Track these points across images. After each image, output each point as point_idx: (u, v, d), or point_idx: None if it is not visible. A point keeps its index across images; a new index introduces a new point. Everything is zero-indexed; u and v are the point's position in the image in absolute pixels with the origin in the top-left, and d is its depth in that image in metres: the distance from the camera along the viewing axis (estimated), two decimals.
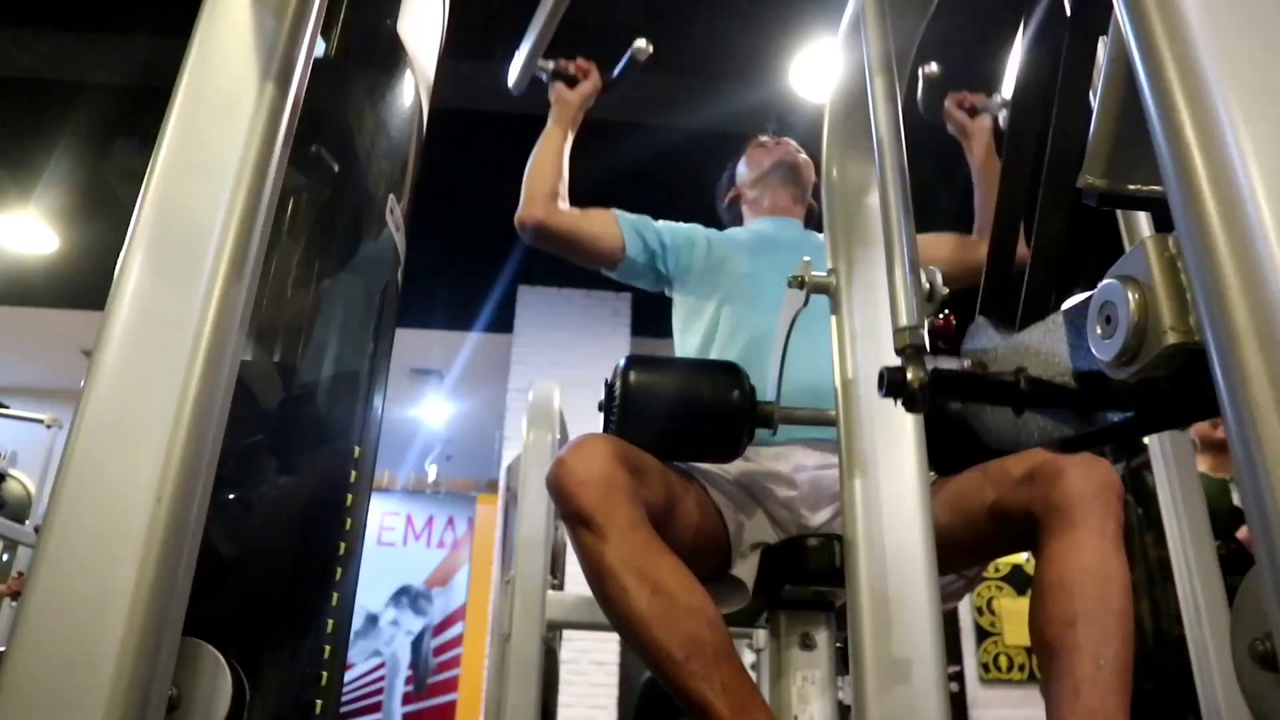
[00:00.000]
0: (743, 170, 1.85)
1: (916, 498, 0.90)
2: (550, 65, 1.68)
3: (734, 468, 1.32)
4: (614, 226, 1.62)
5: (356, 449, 0.95)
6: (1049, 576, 1.08)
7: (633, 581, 1.01)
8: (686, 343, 1.60)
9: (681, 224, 1.69)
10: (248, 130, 0.66)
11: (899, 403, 0.64)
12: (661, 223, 1.67)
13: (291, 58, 0.71)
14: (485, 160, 4.31)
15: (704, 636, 1.00)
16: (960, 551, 1.24)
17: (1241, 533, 2.46)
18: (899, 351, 0.67)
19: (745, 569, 1.25)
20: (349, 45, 1.04)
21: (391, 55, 1.12)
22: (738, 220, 1.84)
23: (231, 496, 0.77)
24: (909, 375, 0.64)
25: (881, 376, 0.65)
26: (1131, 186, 0.58)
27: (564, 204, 1.62)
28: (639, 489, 1.10)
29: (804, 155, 1.82)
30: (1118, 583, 1.06)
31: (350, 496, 0.92)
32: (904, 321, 0.69)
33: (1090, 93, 0.60)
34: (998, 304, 0.68)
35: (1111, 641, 1.02)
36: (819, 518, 1.31)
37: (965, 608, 5.36)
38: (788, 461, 1.33)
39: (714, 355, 1.51)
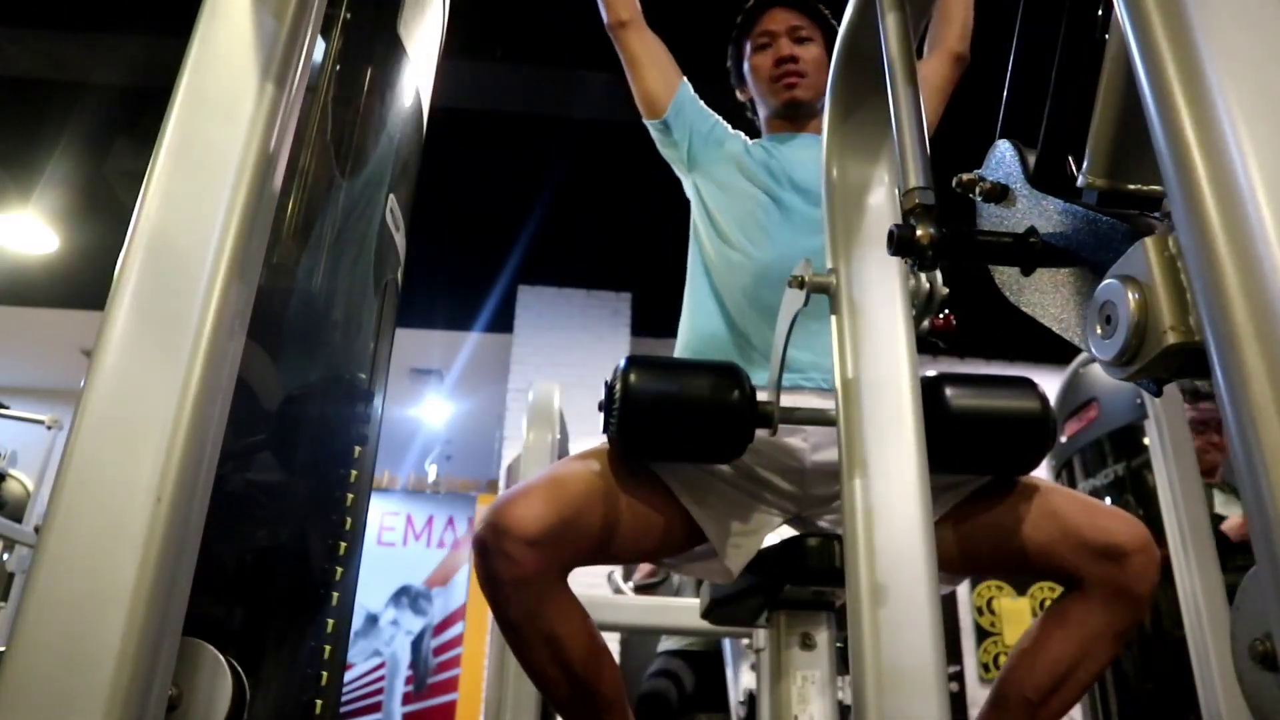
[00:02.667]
0: (748, 78, 1.69)
1: (916, 498, 0.90)
2: None
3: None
4: (675, 84, 1.63)
5: (356, 449, 0.95)
6: (1059, 635, 1.16)
7: (540, 671, 1.12)
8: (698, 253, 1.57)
9: (724, 128, 1.65)
10: (248, 130, 0.66)
11: (911, 265, 0.64)
12: (712, 120, 1.65)
13: (291, 58, 0.71)
14: (485, 160, 4.32)
15: (601, 694, 1.13)
16: (976, 565, 1.26)
17: (1228, 524, 2.46)
18: (907, 211, 0.66)
19: (742, 554, 1.24)
20: (349, 45, 1.04)
21: (391, 55, 1.12)
22: (755, 113, 1.75)
23: (232, 497, 0.77)
24: (918, 232, 0.63)
25: (891, 235, 0.64)
26: (1131, 186, 0.58)
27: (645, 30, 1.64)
28: (561, 556, 1.12)
29: (813, 60, 1.62)
30: (1103, 665, 1.19)
31: (350, 496, 0.92)
32: (913, 182, 0.68)
33: None
34: (1019, 125, 0.67)
35: (1066, 707, 1.16)
36: (823, 455, 1.29)
37: (965, 608, 5.36)
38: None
39: (714, 281, 1.50)
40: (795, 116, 1.63)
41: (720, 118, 1.66)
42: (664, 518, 1.22)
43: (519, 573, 1.05)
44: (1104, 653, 1.16)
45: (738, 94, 1.75)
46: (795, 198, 1.51)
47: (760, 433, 1.23)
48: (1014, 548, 1.20)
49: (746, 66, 1.68)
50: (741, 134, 1.65)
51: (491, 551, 1.06)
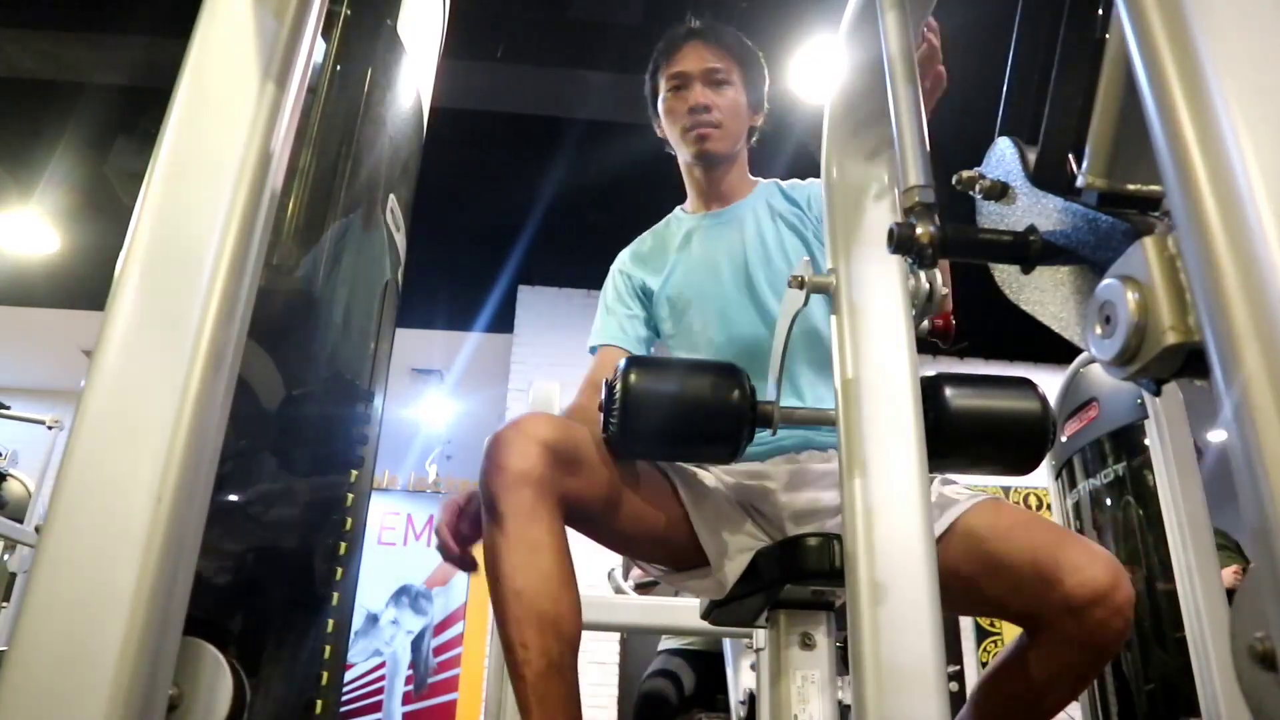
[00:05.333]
0: (663, 119, 1.58)
1: (916, 498, 0.90)
2: None
3: (728, 479, 1.32)
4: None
5: (357, 449, 0.95)
6: (1021, 679, 1.12)
7: (507, 572, 1.07)
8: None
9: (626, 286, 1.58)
10: (248, 130, 0.66)
11: (911, 263, 0.64)
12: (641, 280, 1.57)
13: (291, 58, 0.71)
14: (485, 160, 4.32)
15: (550, 647, 1.06)
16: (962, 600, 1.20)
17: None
18: (907, 210, 0.66)
19: (731, 569, 1.24)
20: (349, 45, 1.04)
21: (391, 55, 1.12)
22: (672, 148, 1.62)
23: (232, 497, 0.77)
24: (918, 230, 0.63)
25: (891, 233, 0.64)
26: (1131, 186, 0.58)
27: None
28: (565, 481, 1.11)
29: (729, 108, 1.52)
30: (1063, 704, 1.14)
31: (350, 496, 0.92)
32: (913, 180, 0.68)
33: None
34: (1019, 124, 0.67)
35: None
36: (801, 499, 1.29)
37: None
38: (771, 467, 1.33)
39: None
40: (712, 166, 1.56)
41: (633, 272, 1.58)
42: (664, 514, 1.24)
43: (525, 466, 1.07)
44: (1066, 701, 1.12)
45: (655, 128, 1.65)
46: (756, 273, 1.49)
47: (738, 467, 1.27)
48: (977, 590, 1.14)
49: (661, 106, 1.58)
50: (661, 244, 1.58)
51: (504, 443, 1.09)
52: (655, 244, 1.61)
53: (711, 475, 1.33)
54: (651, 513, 1.23)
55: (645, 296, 1.57)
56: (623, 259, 1.63)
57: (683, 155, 1.58)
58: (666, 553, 1.27)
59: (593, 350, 1.54)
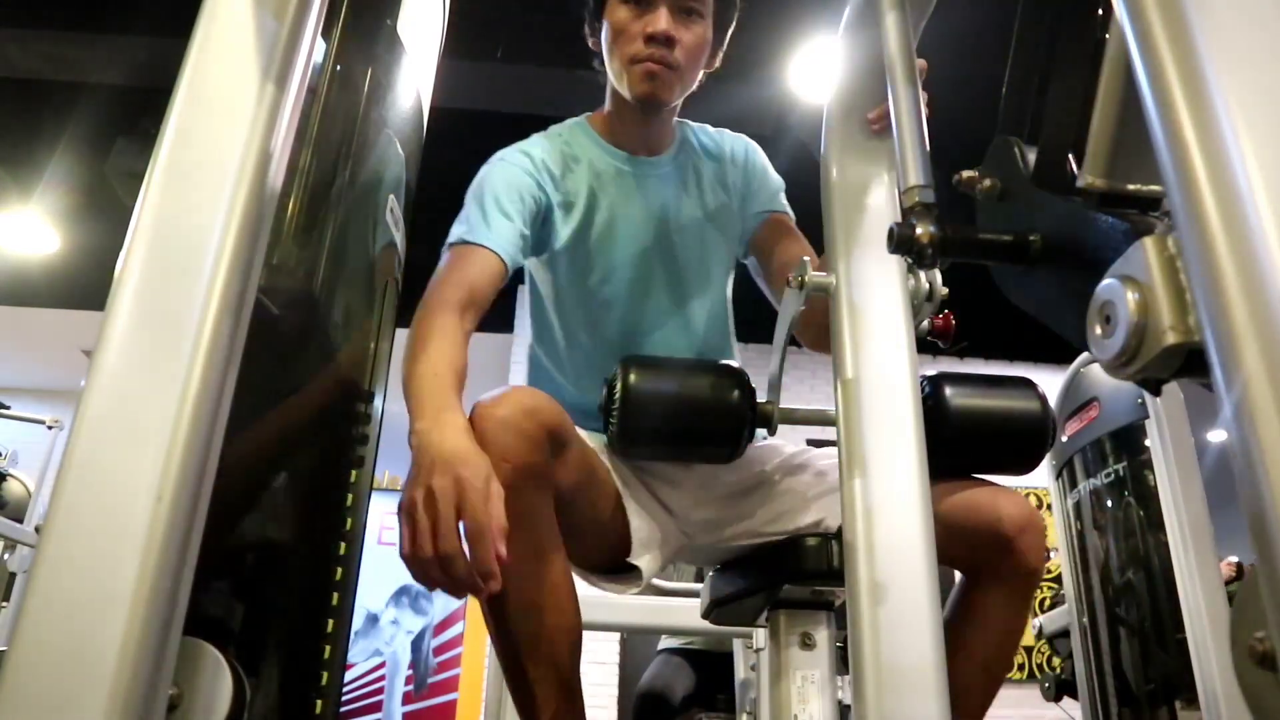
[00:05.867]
0: (605, 32, 1.30)
1: (916, 498, 0.90)
2: None
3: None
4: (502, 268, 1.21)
5: (357, 449, 0.95)
6: (971, 628, 1.18)
7: (513, 587, 0.96)
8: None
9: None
10: (248, 130, 0.66)
11: (909, 262, 0.64)
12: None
13: (291, 58, 0.71)
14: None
15: (562, 660, 1.03)
16: None
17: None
18: (907, 210, 0.66)
19: (646, 562, 1.19)
20: (349, 45, 1.04)
21: (391, 55, 1.12)
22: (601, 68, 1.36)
23: (233, 497, 0.77)
24: (918, 230, 0.63)
25: (891, 233, 0.64)
26: (1131, 186, 0.58)
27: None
28: (552, 468, 1.02)
29: (692, 49, 1.27)
30: (1014, 646, 1.23)
31: (350, 496, 0.92)
32: (913, 180, 0.68)
33: None
34: (1019, 124, 0.67)
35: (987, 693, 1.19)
36: (701, 514, 1.27)
37: None
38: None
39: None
40: (651, 112, 1.32)
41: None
42: (609, 500, 1.19)
43: (530, 458, 0.98)
44: (1019, 630, 1.22)
45: (588, 38, 1.36)
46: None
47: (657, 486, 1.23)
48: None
49: (608, 16, 1.29)
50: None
51: (500, 425, 0.97)
52: (561, 162, 1.31)
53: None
54: (602, 499, 1.18)
55: (539, 222, 1.27)
56: (530, 156, 1.30)
57: (620, 88, 1.30)
58: (601, 544, 1.20)
59: (461, 242, 1.19)
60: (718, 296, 1.41)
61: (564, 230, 1.29)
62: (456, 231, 1.21)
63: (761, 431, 1.19)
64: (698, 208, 1.37)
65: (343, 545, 0.90)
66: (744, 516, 1.28)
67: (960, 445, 1.18)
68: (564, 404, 1.10)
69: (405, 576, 0.86)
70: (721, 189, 1.40)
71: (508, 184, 1.25)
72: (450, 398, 1.00)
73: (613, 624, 2.27)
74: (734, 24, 1.37)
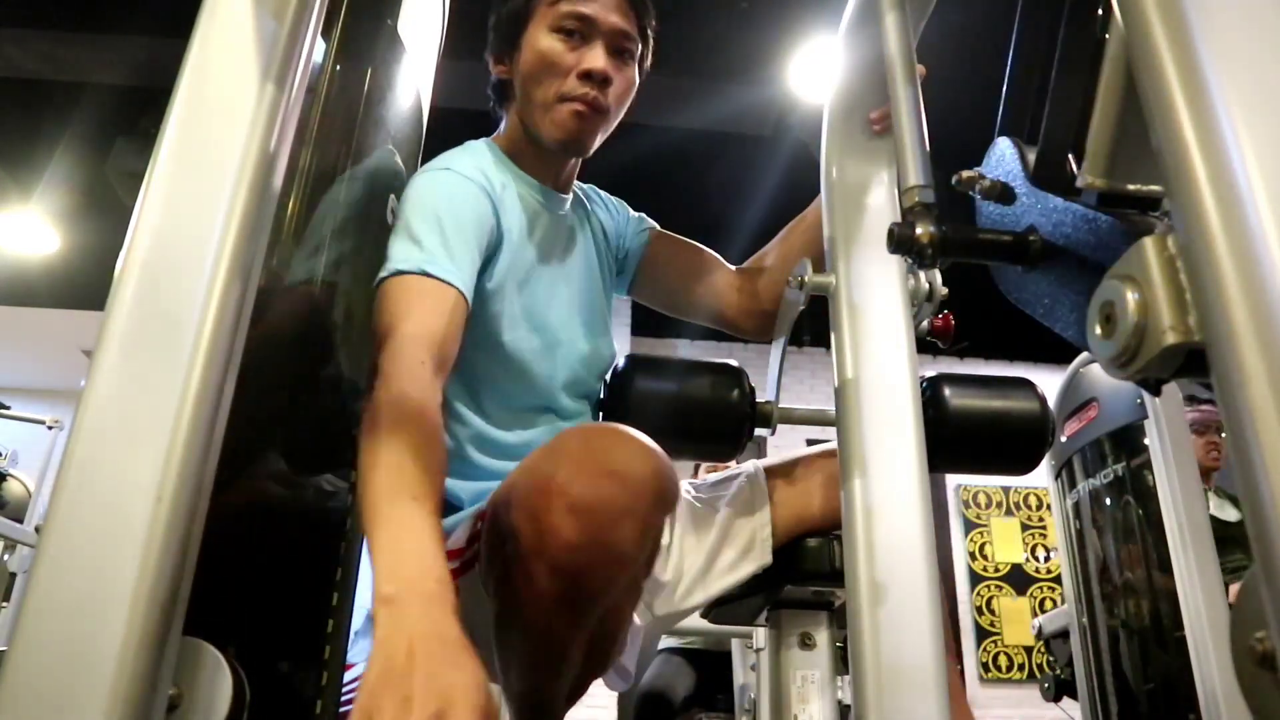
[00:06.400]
0: (522, 60, 1.18)
1: (916, 498, 0.90)
2: None
3: None
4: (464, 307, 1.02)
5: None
6: None
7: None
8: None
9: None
10: (248, 130, 0.66)
11: (911, 264, 0.64)
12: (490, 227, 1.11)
13: (291, 58, 0.71)
14: None
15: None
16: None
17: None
18: (907, 210, 0.66)
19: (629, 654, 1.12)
20: (349, 45, 1.04)
21: (391, 55, 1.12)
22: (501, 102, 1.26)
23: (232, 496, 0.77)
24: (918, 230, 0.63)
25: (891, 233, 0.64)
26: (1131, 186, 0.58)
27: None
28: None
29: (621, 93, 1.18)
30: None
31: (351, 497, 0.92)
32: (913, 180, 0.68)
33: None
34: (1019, 124, 0.67)
35: None
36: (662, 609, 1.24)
37: (965, 608, 5.36)
38: None
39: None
40: (567, 154, 1.21)
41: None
42: None
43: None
44: None
45: (491, 65, 1.25)
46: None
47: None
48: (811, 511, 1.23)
49: (535, 42, 1.16)
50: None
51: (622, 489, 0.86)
52: (501, 190, 1.14)
53: None
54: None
55: (485, 257, 1.09)
56: (485, 175, 1.13)
57: (539, 125, 1.17)
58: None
59: (422, 273, 0.97)
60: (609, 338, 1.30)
61: (499, 267, 1.11)
62: (409, 256, 0.98)
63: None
64: (594, 249, 1.31)
65: (343, 545, 0.90)
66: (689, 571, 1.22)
67: (959, 445, 1.18)
68: (478, 439, 1.08)
69: None
70: (603, 233, 1.34)
71: (470, 207, 1.07)
72: (435, 543, 0.74)
73: None
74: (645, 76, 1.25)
